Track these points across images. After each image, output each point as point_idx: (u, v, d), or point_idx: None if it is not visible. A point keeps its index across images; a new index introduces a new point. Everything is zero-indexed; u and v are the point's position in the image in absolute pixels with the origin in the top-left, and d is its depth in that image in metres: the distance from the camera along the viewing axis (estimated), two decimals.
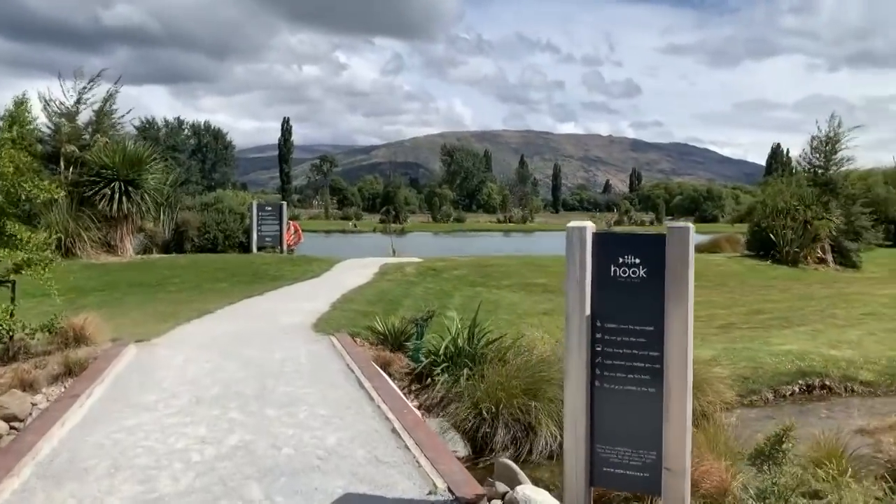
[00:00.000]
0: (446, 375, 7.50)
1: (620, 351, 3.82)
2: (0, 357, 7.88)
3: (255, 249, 21.59)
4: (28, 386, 6.94)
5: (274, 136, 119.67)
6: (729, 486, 4.63)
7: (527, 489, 4.01)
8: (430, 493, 4.26)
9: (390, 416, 5.75)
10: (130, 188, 18.55)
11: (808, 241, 22.89)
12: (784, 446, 4.51)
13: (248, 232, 21.93)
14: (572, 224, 3.84)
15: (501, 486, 4.14)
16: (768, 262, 22.63)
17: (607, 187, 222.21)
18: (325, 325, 9.94)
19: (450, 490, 4.23)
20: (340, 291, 13.25)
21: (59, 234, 15.19)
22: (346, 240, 47.79)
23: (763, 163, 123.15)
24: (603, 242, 3.84)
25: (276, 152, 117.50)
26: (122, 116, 20.69)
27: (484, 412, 6.65)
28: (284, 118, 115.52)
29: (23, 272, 7.80)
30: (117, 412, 5.86)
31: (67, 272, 12.20)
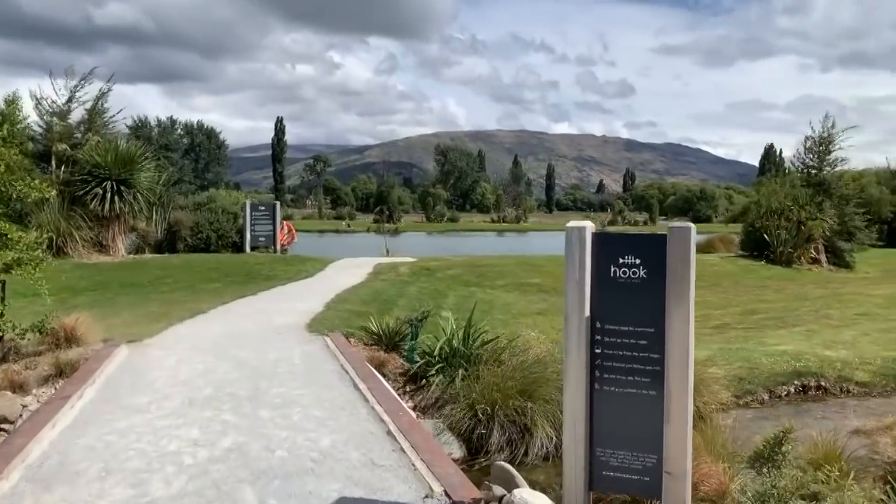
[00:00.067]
0: (441, 376, 7.45)
1: (620, 353, 3.77)
2: None
3: (248, 249, 21.50)
4: (18, 387, 6.85)
5: (267, 136, 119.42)
6: (727, 488, 4.60)
7: (524, 492, 3.96)
8: (426, 496, 4.20)
9: (385, 417, 5.70)
10: (122, 187, 18.44)
11: (802, 242, 22.95)
12: (784, 448, 4.48)
13: (241, 232, 21.84)
14: (571, 224, 3.79)
15: (498, 490, 4.09)
16: (762, 263, 22.68)
17: (601, 187, 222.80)
18: (319, 325, 9.88)
19: (446, 494, 4.17)
20: (334, 291, 13.19)
21: (50, 234, 15.05)
22: (339, 240, 47.71)
23: (756, 163, 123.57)
24: (602, 242, 3.78)
25: (270, 152, 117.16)
26: (115, 115, 20.63)
27: (479, 413, 6.61)
28: (278, 118, 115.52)
29: (13, 272, 7.70)
30: (109, 414, 5.79)
31: (59, 272, 12.10)
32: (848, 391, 9.09)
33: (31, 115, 18.54)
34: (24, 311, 9.22)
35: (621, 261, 3.71)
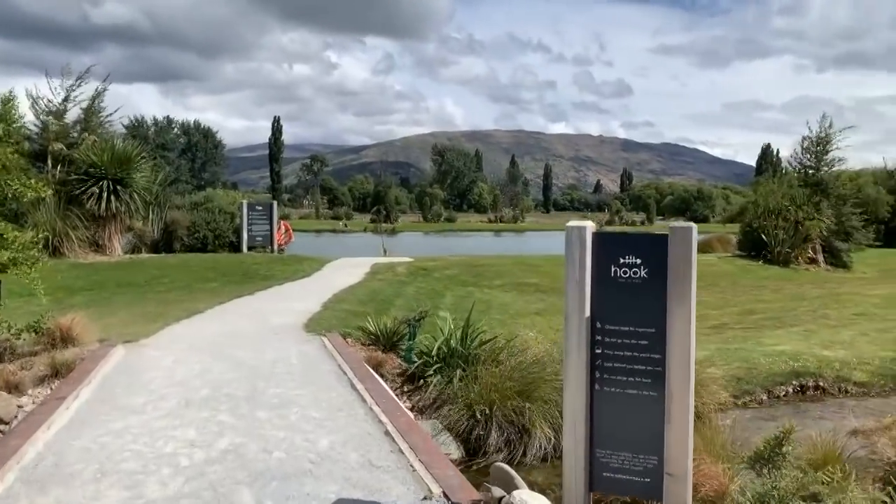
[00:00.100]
0: (439, 376, 7.42)
1: (621, 353, 3.74)
2: None
3: (245, 249, 21.44)
4: (14, 388, 6.80)
5: (264, 136, 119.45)
6: (727, 489, 4.57)
7: (523, 494, 3.93)
8: (424, 498, 4.17)
9: (383, 418, 5.67)
10: (119, 187, 18.36)
11: (800, 242, 22.97)
12: (784, 449, 4.45)
13: (238, 231, 21.78)
14: (571, 223, 3.76)
15: (497, 491, 4.06)
16: (760, 263, 22.70)
17: (598, 187, 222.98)
18: (316, 325, 9.85)
19: (445, 495, 4.14)
20: (331, 291, 13.15)
21: (46, 234, 14.99)
22: (336, 239, 47.67)
23: (753, 163, 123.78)
24: (603, 242, 3.75)
25: (267, 151, 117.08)
26: (111, 114, 20.52)
27: (477, 414, 6.58)
28: (275, 117, 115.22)
29: (8, 272, 7.65)
30: (104, 415, 5.75)
31: (55, 271, 12.06)
32: (846, 391, 9.09)
33: (27, 115, 18.45)
34: (19, 311, 9.18)
35: (622, 260, 3.68)
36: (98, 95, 19.70)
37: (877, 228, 29.69)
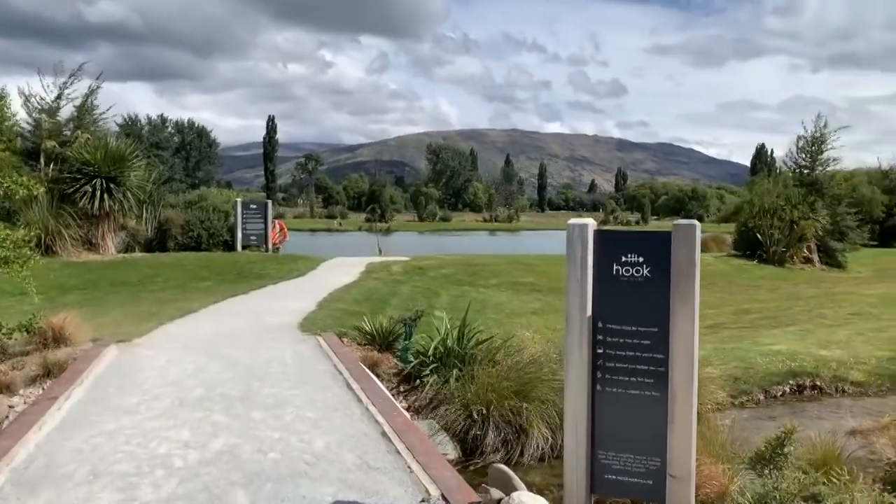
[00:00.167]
0: (435, 376, 7.37)
1: (623, 353, 3.68)
2: None
3: (239, 248, 21.35)
4: (5, 388, 6.73)
5: (259, 134, 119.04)
6: (727, 490, 4.53)
7: (523, 495, 3.88)
8: (423, 500, 4.11)
9: (380, 418, 5.60)
10: (112, 185, 18.24)
11: (795, 241, 23.01)
12: (786, 450, 4.41)
13: (232, 230, 21.68)
14: (573, 221, 3.70)
15: (496, 493, 4.01)
16: (755, 262, 22.72)
17: (593, 187, 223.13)
18: (311, 324, 9.78)
19: (443, 497, 4.08)
20: (327, 290, 13.08)
21: (38, 232, 14.88)
22: (331, 238, 47.58)
23: (747, 163, 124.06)
24: (605, 240, 3.69)
25: (261, 150, 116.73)
26: (104, 113, 20.39)
27: (474, 414, 6.53)
28: (269, 116, 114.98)
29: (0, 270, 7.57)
30: (97, 415, 5.67)
31: (47, 270, 11.95)
32: (843, 391, 9.08)
33: (19, 113, 18.35)
34: (11, 311, 9.10)
35: (624, 259, 3.62)
36: (91, 93, 19.57)
37: (871, 228, 29.80)
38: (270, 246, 21.90)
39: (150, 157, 27.44)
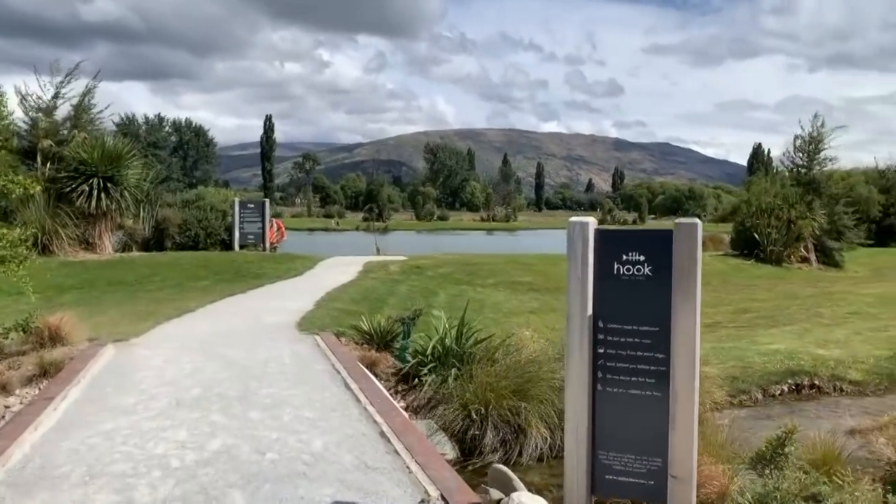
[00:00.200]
0: (434, 376, 7.34)
1: (624, 353, 3.65)
2: None
3: (237, 247, 21.31)
4: (1, 388, 6.69)
5: (256, 134, 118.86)
6: (727, 490, 4.51)
7: (522, 496, 3.86)
8: (422, 501, 4.07)
9: (378, 418, 5.57)
10: (109, 184, 18.18)
11: (792, 241, 23.04)
12: (787, 450, 4.38)
13: (230, 229, 21.63)
14: (574, 219, 3.67)
15: (496, 493, 3.98)
16: (752, 261, 22.75)
17: (590, 186, 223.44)
18: (309, 324, 9.75)
19: (443, 498, 4.04)
20: (324, 290, 13.05)
21: (35, 231, 14.82)
22: (328, 238, 47.56)
23: (744, 163, 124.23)
24: (606, 238, 3.66)
25: (259, 150, 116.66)
26: (101, 112, 20.32)
27: (473, 413, 6.51)
28: (267, 115, 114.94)
29: None
30: (93, 415, 5.63)
31: (44, 270, 11.92)
32: (841, 390, 9.07)
33: (16, 112, 18.26)
34: (7, 310, 9.06)
35: (625, 257, 3.60)
36: (88, 92, 19.50)
37: (868, 227, 29.84)
38: (268, 245, 21.86)
39: (148, 156, 27.33)
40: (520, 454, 6.32)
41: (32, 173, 16.95)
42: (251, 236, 21.72)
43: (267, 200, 23.80)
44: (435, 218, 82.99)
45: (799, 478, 3.96)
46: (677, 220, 3.48)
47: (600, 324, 3.70)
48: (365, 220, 65.20)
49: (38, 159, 18.19)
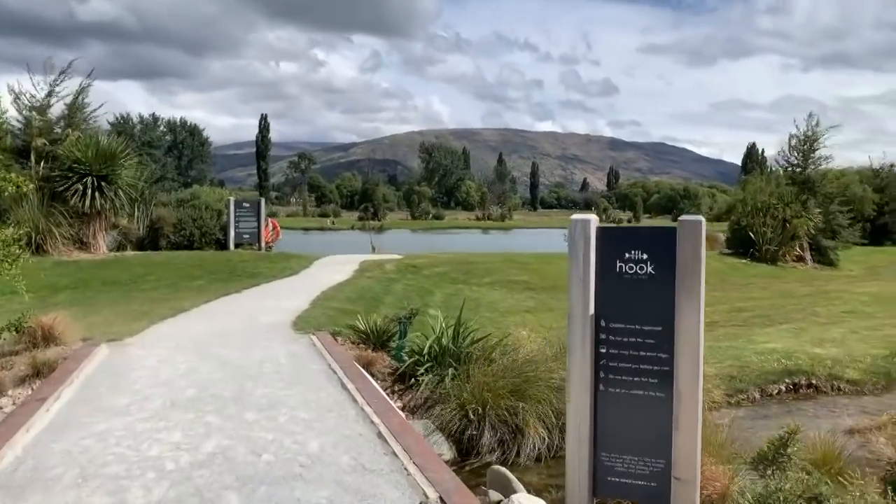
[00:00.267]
0: (430, 375, 7.30)
1: (626, 352, 3.61)
2: None
3: (232, 246, 21.22)
4: None
5: (251, 133, 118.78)
6: (728, 490, 4.47)
7: (522, 497, 3.81)
8: (420, 503, 4.03)
9: (375, 419, 5.51)
10: (104, 184, 18.06)
11: (787, 240, 23.07)
12: (789, 450, 4.34)
13: (225, 229, 21.54)
14: (576, 216, 3.62)
15: (495, 495, 3.93)
16: (747, 260, 22.78)
17: (585, 185, 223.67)
18: (304, 323, 9.68)
19: (441, 500, 3.98)
20: (320, 289, 12.98)
21: (28, 230, 14.70)
22: (324, 237, 47.45)
23: (739, 162, 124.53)
24: (608, 237, 3.61)
25: (254, 149, 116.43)
26: (95, 110, 20.18)
27: (470, 414, 6.47)
28: (262, 115, 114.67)
29: None
30: (87, 416, 5.56)
31: (38, 269, 11.82)
32: (839, 389, 9.07)
33: (9, 111, 18.14)
34: (1, 310, 8.97)
35: (627, 256, 3.55)
36: (82, 91, 19.36)
37: (863, 226, 29.93)
38: (263, 244, 21.78)
39: (142, 155, 27.19)
40: (517, 454, 6.29)
41: (26, 172, 16.82)
42: (246, 235, 21.64)
43: (262, 200, 23.71)
44: (430, 217, 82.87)
45: (801, 478, 3.92)
46: (681, 218, 3.43)
47: (602, 323, 3.65)
48: (360, 219, 65.08)
49: (32, 158, 18.05)
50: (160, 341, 8.48)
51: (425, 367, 7.43)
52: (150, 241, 20.86)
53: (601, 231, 3.65)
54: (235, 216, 21.43)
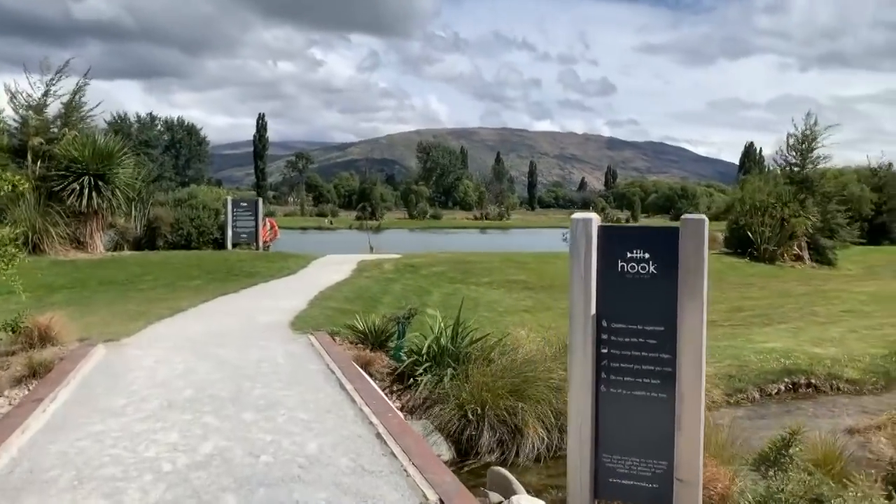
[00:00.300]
0: (429, 375, 7.27)
1: (628, 353, 3.57)
2: None
3: (230, 246, 21.18)
4: None
5: (249, 133, 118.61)
6: (729, 492, 4.44)
7: (522, 499, 3.78)
8: None
9: (374, 419, 5.47)
10: (101, 183, 18.00)
11: (785, 239, 23.06)
12: (791, 451, 4.31)
13: (222, 228, 21.49)
14: (577, 215, 3.59)
15: (495, 497, 3.90)
16: (746, 260, 22.77)
17: (583, 185, 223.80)
18: (302, 323, 9.64)
19: (441, 502, 3.94)
20: (318, 288, 12.94)
21: (25, 230, 14.63)
22: (322, 236, 47.41)
23: (736, 161, 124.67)
24: (610, 236, 3.58)
25: (251, 149, 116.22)
26: (92, 110, 20.09)
27: (469, 414, 6.45)
28: (259, 114, 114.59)
29: None
30: (83, 417, 5.52)
31: (35, 269, 11.76)
32: (838, 389, 9.06)
33: (5, 110, 18.08)
34: None
35: (629, 255, 3.51)
36: (79, 90, 19.28)
37: (860, 226, 29.93)
38: (261, 244, 21.75)
39: (139, 154, 27.14)
40: (517, 455, 6.27)
41: (23, 171, 16.74)
42: (244, 235, 21.59)
43: (260, 199, 23.69)
44: (428, 216, 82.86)
45: (804, 480, 3.89)
46: (684, 216, 3.39)
47: (604, 323, 3.61)
48: (358, 218, 64.97)
49: (29, 157, 17.97)
50: (157, 341, 8.43)
51: (424, 367, 7.41)
52: (148, 240, 20.81)
53: (603, 230, 3.61)
54: (233, 216, 21.39)
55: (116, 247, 19.97)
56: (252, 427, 5.34)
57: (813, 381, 9.13)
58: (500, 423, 6.39)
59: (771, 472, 4.33)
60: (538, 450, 6.29)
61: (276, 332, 9.14)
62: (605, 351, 3.64)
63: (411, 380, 7.48)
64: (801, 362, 9.42)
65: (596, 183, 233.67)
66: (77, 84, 19.24)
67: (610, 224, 3.74)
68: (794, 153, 25.02)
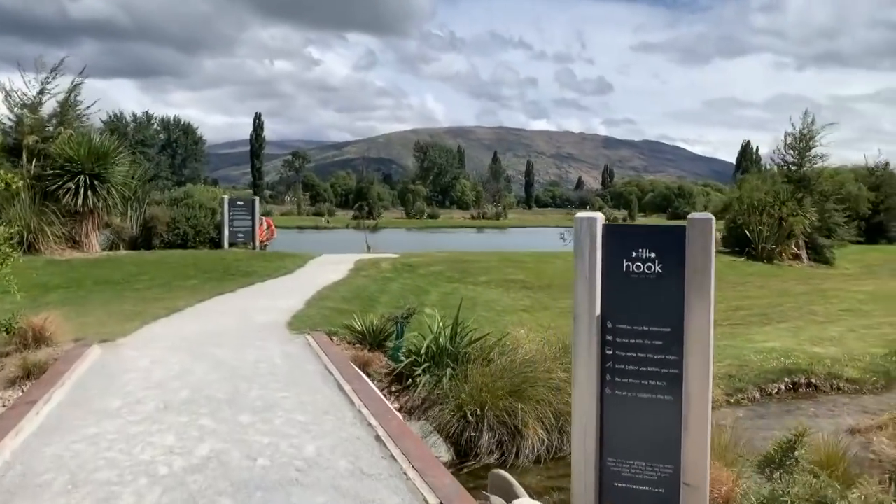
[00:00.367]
0: (428, 376, 7.22)
1: (634, 354, 3.50)
2: None
3: (226, 245, 21.08)
4: None
5: (245, 132, 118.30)
6: (733, 494, 4.39)
7: (524, 503, 3.72)
8: None
9: (373, 421, 5.40)
10: (96, 182, 17.89)
11: (783, 238, 23.06)
12: (797, 453, 4.26)
13: (219, 227, 21.39)
14: (581, 214, 3.52)
15: (497, 500, 3.84)
16: (744, 259, 22.77)
17: (580, 184, 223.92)
18: (300, 323, 9.57)
19: None
20: (315, 288, 12.87)
21: (20, 229, 14.53)
22: (319, 236, 47.32)
23: (733, 160, 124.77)
24: (614, 235, 3.50)
25: (248, 148, 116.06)
26: (88, 108, 19.97)
27: (468, 415, 6.40)
28: (256, 113, 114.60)
29: None
30: (78, 419, 5.44)
31: (30, 268, 11.68)
32: (838, 388, 9.05)
33: (0, 108, 17.97)
34: None
35: (635, 255, 3.44)
36: (74, 89, 19.17)
37: (858, 225, 29.96)
38: (258, 243, 21.65)
39: (136, 153, 27.00)
40: (517, 456, 6.23)
41: (17, 170, 16.64)
42: (241, 234, 21.50)
43: (256, 198, 23.58)
44: (425, 216, 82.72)
45: (809, 482, 3.84)
46: (690, 215, 3.33)
47: (609, 324, 3.54)
48: (355, 217, 64.88)
49: (24, 156, 17.86)
50: (153, 342, 8.36)
51: (423, 367, 7.35)
52: (144, 239, 20.70)
53: (607, 229, 3.54)
54: (229, 215, 21.29)
55: (112, 246, 19.86)
56: (249, 429, 5.27)
57: (813, 380, 9.11)
58: (500, 424, 6.34)
59: (776, 475, 4.28)
60: (538, 451, 6.25)
61: (273, 332, 9.06)
62: (609, 352, 3.58)
63: (410, 380, 7.42)
64: (801, 362, 9.40)
65: (593, 182, 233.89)
66: (72, 82, 19.14)
67: (615, 223, 3.67)
68: (791, 152, 25.03)
